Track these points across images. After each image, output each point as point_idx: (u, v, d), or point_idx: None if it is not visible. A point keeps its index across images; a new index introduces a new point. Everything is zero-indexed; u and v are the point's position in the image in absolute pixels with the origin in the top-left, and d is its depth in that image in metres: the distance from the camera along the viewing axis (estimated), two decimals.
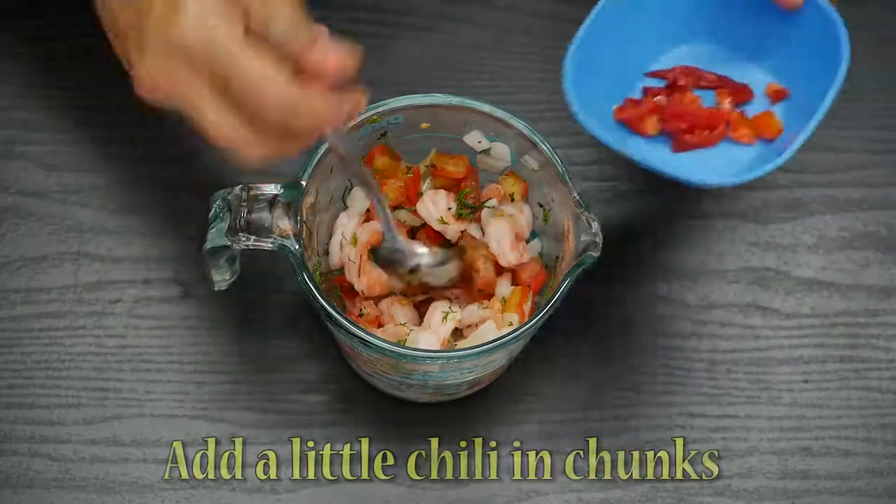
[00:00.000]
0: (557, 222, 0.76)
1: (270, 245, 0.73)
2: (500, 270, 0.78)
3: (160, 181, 0.90)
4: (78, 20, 0.95)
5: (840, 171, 0.93)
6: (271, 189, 0.73)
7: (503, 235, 0.77)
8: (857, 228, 0.91)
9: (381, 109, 0.76)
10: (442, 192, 0.79)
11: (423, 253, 0.77)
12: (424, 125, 0.77)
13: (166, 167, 0.90)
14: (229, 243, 0.73)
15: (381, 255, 0.77)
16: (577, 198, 0.72)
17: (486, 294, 0.79)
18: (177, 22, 0.62)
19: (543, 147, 0.75)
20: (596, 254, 0.71)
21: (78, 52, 0.93)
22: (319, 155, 0.74)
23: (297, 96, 0.62)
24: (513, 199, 0.79)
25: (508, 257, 0.77)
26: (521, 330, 0.71)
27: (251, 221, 0.72)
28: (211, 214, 0.73)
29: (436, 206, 0.79)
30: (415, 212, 0.80)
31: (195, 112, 0.64)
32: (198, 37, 0.61)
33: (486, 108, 0.75)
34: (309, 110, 0.62)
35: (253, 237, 0.73)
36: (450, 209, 0.79)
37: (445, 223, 0.78)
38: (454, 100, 0.76)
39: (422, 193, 0.79)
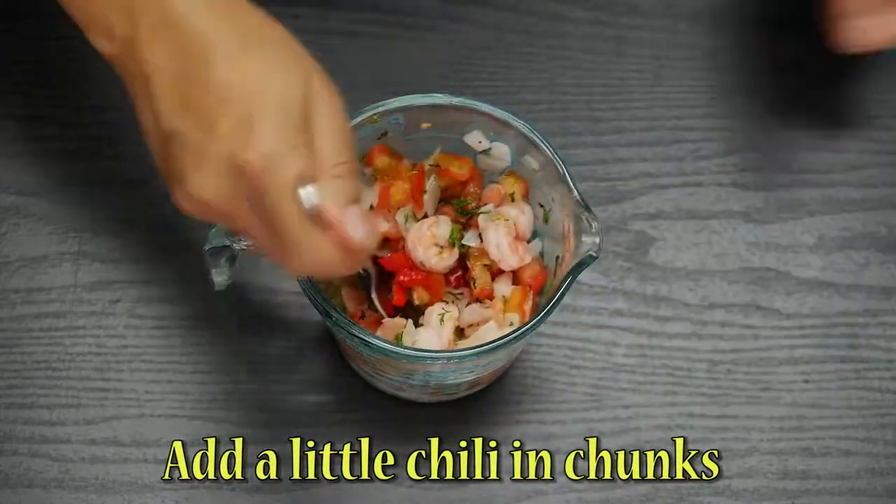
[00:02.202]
0: (558, 222, 0.76)
1: None
2: (500, 271, 0.78)
3: (161, 181, 0.90)
4: None
5: (840, 171, 0.93)
6: None
7: (502, 240, 0.77)
8: (857, 228, 0.91)
9: (381, 110, 0.76)
10: (429, 222, 0.78)
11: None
12: (425, 125, 0.77)
13: None
14: (229, 243, 0.73)
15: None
16: (578, 198, 0.72)
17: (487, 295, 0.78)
18: (246, 143, 0.62)
19: (544, 147, 0.75)
20: (596, 254, 0.71)
21: (78, 52, 0.93)
22: None
23: (326, 257, 0.63)
24: (513, 199, 0.79)
25: (510, 261, 0.77)
26: (522, 330, 0.71)
27: None
28: None
29: (424, 248, 0.78)
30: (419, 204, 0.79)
31: (239, 230, 0.65)
32: (263, 166, 0.62)
33: (487, 108, 0.75)
34: (330, 266, 0.64)
35: None
36: (438, 246, 0.78)
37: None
38: (454, 100, 0.76)
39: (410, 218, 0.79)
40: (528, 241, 0.79)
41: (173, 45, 0.64)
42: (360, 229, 0.63)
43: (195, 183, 0.64)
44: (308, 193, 0.62)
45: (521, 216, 0.78)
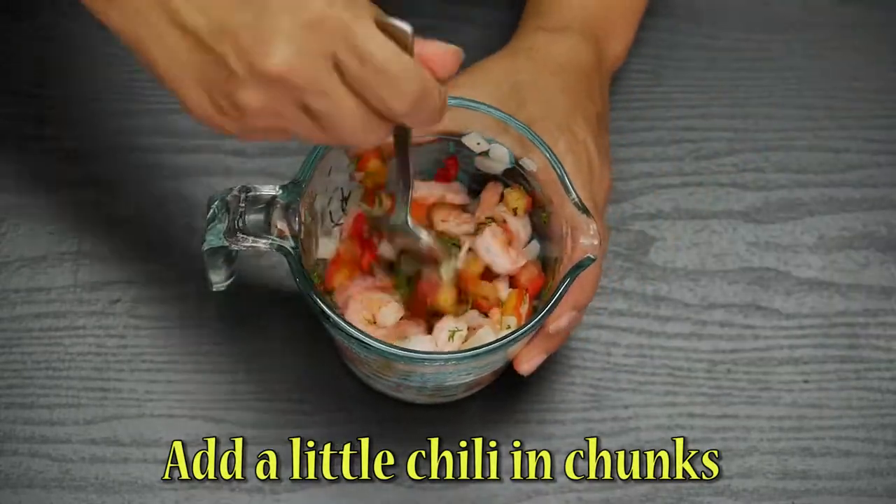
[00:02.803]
0: (556, 225, 0.76)
1: (268, 246, 0.72)
2: (495, 275, 0.78)
3: (161, 181, 0.90)
4: (78, 20, 0.95)
5: (840, 171, 0.93)
6: (270, 190, 0.73)
7: (490, 243, 0.77)
8: (857, 228, 0.91)
9: None
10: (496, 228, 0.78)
11: (425, 238, 0.76)
12: None
13: (167, 167, 0.90)
14: (227, 244, 0.73)
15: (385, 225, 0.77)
16: (577, 200, 0.72)
17: (483, 299, 0.78)
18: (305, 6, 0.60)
19: (542, 150, 0.75)
20: (594, 256, 0.71)
21: (78, 51, 0.93)
22: (318, 156, 0.74)
23: (426, 77, 0.62)
24: (515, 213, 0.78)
25: (503, 264, 0.77)
26: (519, 333, 0.71)
27: (249, 222, 0.72)
28: (209, 215, 0.73)
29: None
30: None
31: (298, 136, 0.64)
32: (340, 21, 0.60)
33: (486, 109, 0.75)
34: (435, 90, 0.63)
35: (251, 238, 0.72)
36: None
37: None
38: (453, 101, 0.75)
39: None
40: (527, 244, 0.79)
41: None
42: (449, 59, 0.64)
43: (239, 99, 0.62)
44: (400, 22, 0.61)
45: (521, 230, 0.78)
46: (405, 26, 0.62)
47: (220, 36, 0.62)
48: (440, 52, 0.64)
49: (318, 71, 0.61)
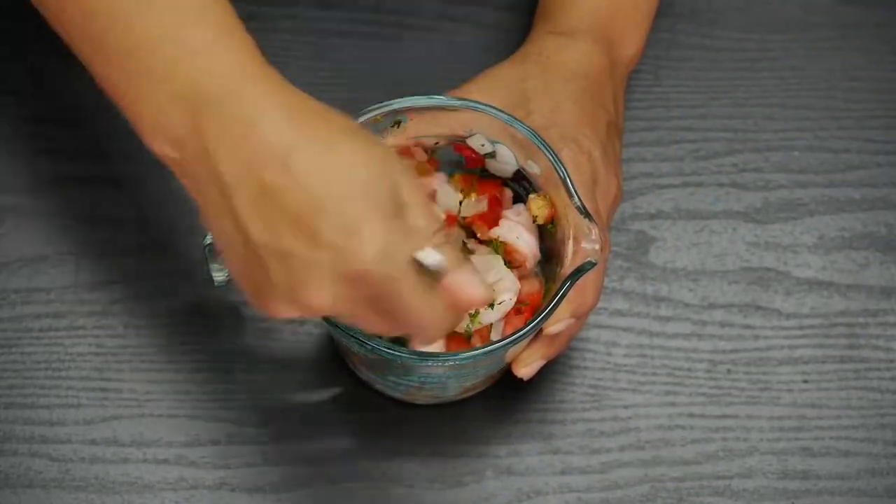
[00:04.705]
0: (560, 231, 0.75)
1: None
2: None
3: (162, 180, 0.90)
4: None
5: (840, 171, 0.93)
6: None
7: (522, 232, 0.76)
8: (857, 228, 0.91)
9: (385, 110, 0.75)
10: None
11: None
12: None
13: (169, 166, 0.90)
14: None
15: None
16: (579, 204, 0.72)
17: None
18: (357, 249, 0.61)
19: (546, 153, 0.74)
20: (595, 260, 0.71)
21: None
22: None
23: (449, 319, 0.65)
24: (535, 221, 0.77)
25: (529, 246, 0.76)
26: (517, 335, 0.71)
27: None
28: None
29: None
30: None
31: (360, 324, 0.66)
32: (381, 268, 0.61)
33: (491, 111, 0.75)
34: (452, 324, 0.66)
35: None
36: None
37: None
38: (458, 102, 0.75)
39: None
40: None
41: (247, 153, 0.61)
42: (480, 287, 0.64)
43: (311, 295, 0.62)
44: (427, 254, 0.62)
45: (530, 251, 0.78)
46: (440, 263, 0.63)
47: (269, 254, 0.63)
48: (468, 286, 0.65)
49: (355, 307, 0.64)
